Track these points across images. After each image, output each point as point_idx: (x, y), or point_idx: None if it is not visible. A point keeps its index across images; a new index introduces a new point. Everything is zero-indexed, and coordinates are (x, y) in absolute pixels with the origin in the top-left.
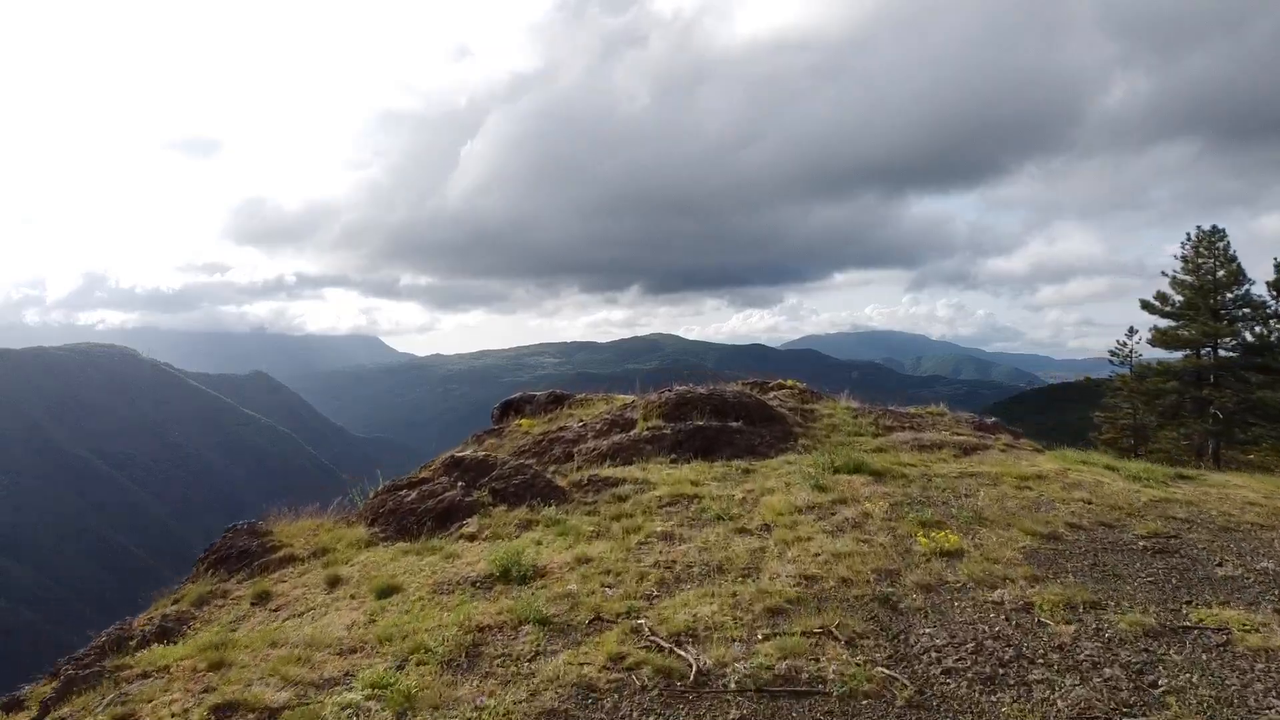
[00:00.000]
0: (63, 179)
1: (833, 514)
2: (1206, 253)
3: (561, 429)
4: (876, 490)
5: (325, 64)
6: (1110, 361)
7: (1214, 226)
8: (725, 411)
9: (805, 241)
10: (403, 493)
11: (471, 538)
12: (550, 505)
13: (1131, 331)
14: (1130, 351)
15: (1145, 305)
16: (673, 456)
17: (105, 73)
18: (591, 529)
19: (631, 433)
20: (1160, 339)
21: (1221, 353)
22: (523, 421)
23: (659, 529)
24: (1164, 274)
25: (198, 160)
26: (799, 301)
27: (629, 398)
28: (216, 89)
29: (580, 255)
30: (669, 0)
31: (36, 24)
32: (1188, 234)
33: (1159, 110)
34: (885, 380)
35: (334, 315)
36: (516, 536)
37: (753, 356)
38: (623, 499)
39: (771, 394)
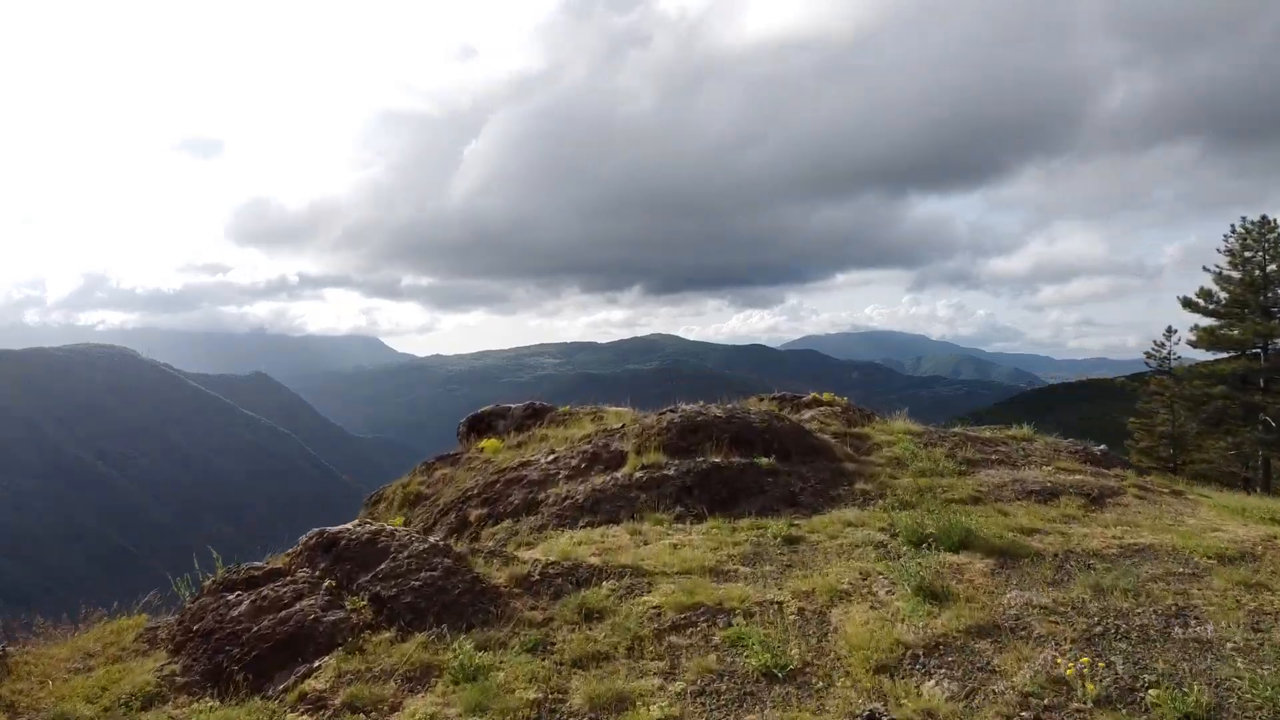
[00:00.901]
0: (63, 179)
1: (982, 670)
2: (1255, 245)
3: (525, 465)
4: (1024, 599)
5: (330, 64)
6: (1146, 364)
7: (1263, 217)
8: (750, 441)
9: (807, 242)
10: (234, 597)
11: (318, 701)
12: (471, 629)
13: (1170, 331)
14: (1169, 353)
15: (1187, 303)
16: (678, 510)
17: (106, 73)
18: (533, 697)
19: (619, 473)
20: (1205, 339)
21: (1273, 353)
22: (487, 444)
23: (658, 713)
24: (1206, 269)
25: (200, 161)
26: (799, 302)
27: (622, 411)
28: (219, 90)
29: (582, 255)
30: (674, 0)
31: (38, 24)
32: (1232, 225)
33: (1161, 111)
34: (886, 380)
35: (334, 316)
36: (395, 706)
37: (753, 357)
38: (596, 615)
39: (808, 414)
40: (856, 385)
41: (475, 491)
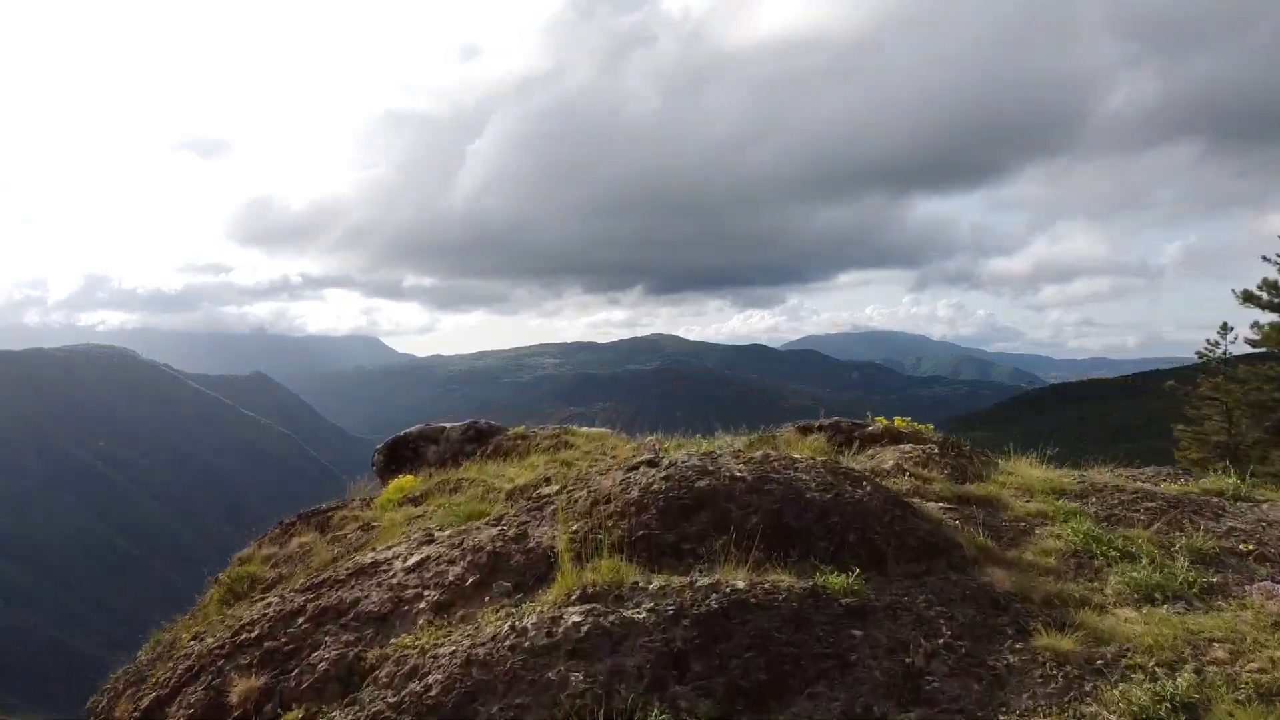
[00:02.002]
0: (65, 179)
1: None
2: None
3: (365, 572)
4: None
5: (335, 64)
6: (1197, 364)
7: None
8: (801, 531)
9: (809, 242)
10: None
11: None
12: None
13: (1225, 328)
14: (1224, 352)
15: (1247, 296)
16: (657, 717)
17: (105, 72)
18: None
19: (531, 620)
20: (1272, 337)
21: None
22: (392, 488)
23: None
24: (1265, 259)
25: (204, 161)
26: (799, 302)
27: (595, 433)
28: (224, 90)
29: (584, 255)
30: (679, 0)
31: (42, 23)
32: None
33: (1163, 111)
34: (886, 380)
35: (334, 316)
36: None
37: (754, 357)
38: None
39: (887, 458)
40: (856, 385)
41: (258, 633)
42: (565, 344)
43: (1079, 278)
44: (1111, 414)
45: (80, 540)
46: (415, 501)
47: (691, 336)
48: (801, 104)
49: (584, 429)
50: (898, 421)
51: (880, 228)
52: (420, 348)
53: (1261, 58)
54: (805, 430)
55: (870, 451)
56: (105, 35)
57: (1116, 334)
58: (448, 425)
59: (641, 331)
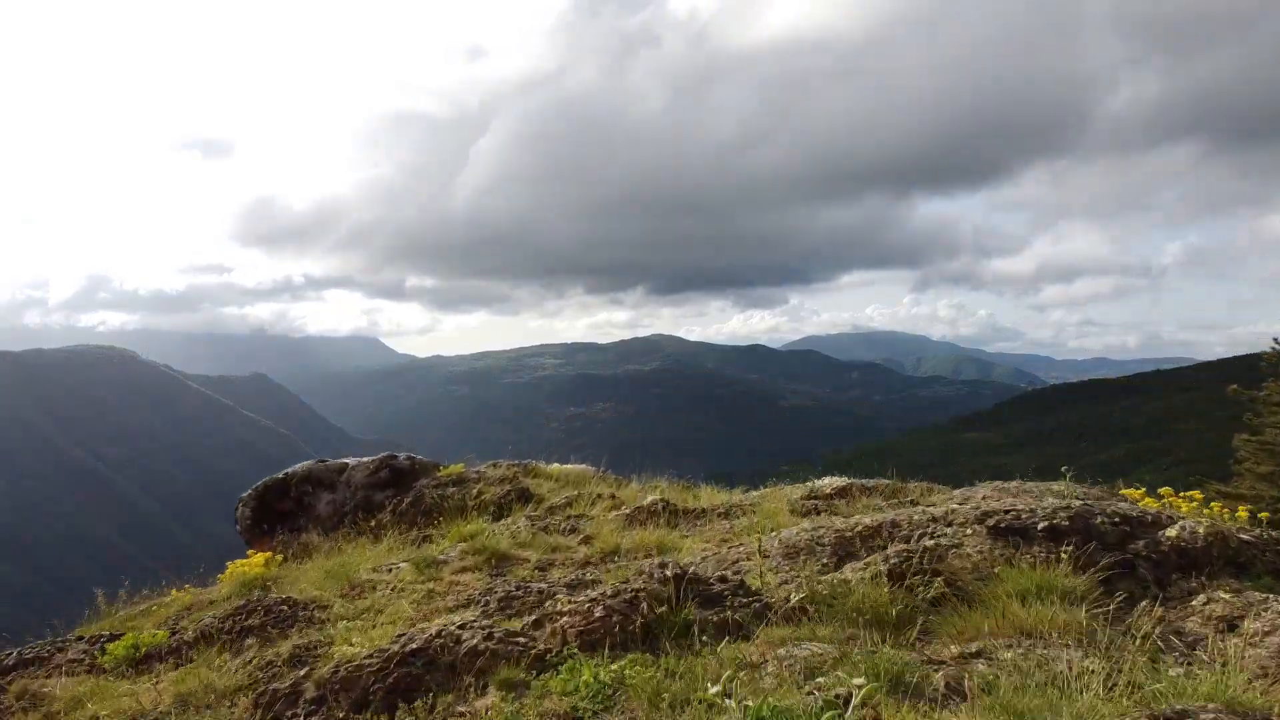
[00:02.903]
0: (66, 179)
1: None
2: None
3: None
4: None
5: (340, 65)
6: (1261, 366)
7: None
8: None
9: (811, 242)
10: None
11: None
12: None
13: None
14: None
15: None
16: None
17: (108, 72)
18: None
19: None
20: None
21: None
22: (229, 578)
23: None
24: None
25: (206, 161)
26: (800, 302)
27: (572, 472)
28: (226, 90)
29: (587, 256)
30: (684, 0)
31: (42, 24)
32: None
33: (1166, 112)
34: (885, 380)
35: (335, 316)
36: None
37: (754, 357)
38: None
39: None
40: (856, 385)
41: None
42: (566, 344)
43: (1081, 278)
44: (1111, 414)
45: (80, 541)
46: (177, 651)
47: (692, 337)
48: (805, 105)
49: (554, 467)
50: (1210, 503)
51: (883, 228)
52: (421, 348)
53: (1264, 58)
54: (1013, 538)
55: (1211, 613)
56: (108, 35)
57: (1117, 334)
58: (351, 462)
59: (643, 332)
